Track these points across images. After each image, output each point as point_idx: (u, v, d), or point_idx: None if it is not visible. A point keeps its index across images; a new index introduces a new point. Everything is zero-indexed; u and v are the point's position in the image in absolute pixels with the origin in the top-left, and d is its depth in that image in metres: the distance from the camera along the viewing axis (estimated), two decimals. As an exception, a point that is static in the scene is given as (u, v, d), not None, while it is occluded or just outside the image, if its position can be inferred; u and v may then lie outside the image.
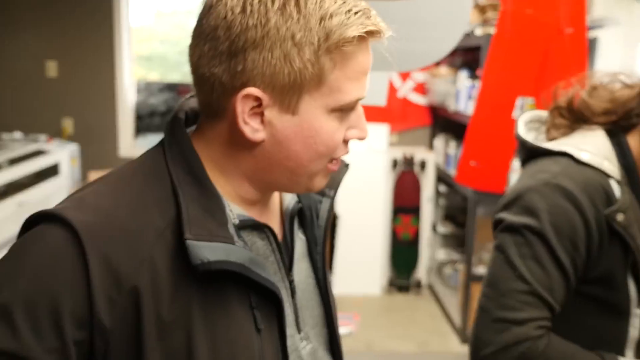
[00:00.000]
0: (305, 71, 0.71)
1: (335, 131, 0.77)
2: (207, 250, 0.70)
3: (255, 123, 0.74)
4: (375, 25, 0.73)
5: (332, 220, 4.43)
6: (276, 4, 0.70)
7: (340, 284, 4.41)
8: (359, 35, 0.72)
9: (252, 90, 0.72)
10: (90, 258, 0.68)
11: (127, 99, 4.60)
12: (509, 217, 1.15)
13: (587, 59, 3.15)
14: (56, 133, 4.43)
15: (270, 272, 0.78)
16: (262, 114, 0.74)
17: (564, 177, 1.12)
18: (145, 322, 0.69)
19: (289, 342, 0.82)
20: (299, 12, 0.70)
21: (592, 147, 1.16)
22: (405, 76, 4.59)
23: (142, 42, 5.77)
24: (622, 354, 1.19)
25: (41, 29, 4.39)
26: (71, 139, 4.41)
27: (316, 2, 0.70)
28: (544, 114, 1.30)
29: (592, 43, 3.31)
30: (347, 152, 0.83)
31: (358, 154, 4.31)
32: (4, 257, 0.72)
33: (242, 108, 0.73)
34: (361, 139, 0.82)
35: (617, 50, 3.41)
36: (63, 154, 3.94)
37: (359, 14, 0.72)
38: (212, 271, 0.71)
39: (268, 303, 0.79)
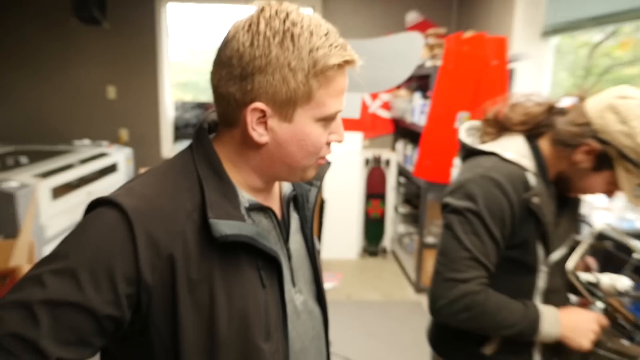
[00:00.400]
0: (298, 90, 0.72)
1: (321, 135, 0.78)
2: (224, 226, 0.71)
3: (261, 129, 0.75)
4: (350, 56, 0.74)
5: (320, 204, 4.46)
6: (276, 40, 0.70)
7: (327, 250, 4.43)
8: (338, 63, 0.73)
9: (259, 105, 0.72)
10: (137, 233, 0.69)
11: (168, 114, 4.59)
12: (454, 202, 1.15)
13: (508, 84, 3.17)
14: (115, 140, 4.42)
15: (272, 242, 0.79)
16: (266, 123, 0.75)
17: (494, 171, 1.13)
18: (178, 280, 0.70)
19: (286, 295, 0.83)
20: (293, 45, 0.71)
21: (514, 148, 1.17)
22: (374, 96, 4.59)
23: (180, 72, 5.77)
24: (532, 299, 1.20)
25: (103, 62, 4.37)
26: (126, 144, 4.39)
27: (306, 38, 0.71)
28: (479, 123, 1.31)
29: (512, 72, 3.32)
30: (330, 152, 0.83)
31: (340, 155, 4.34)
32: (71, 232, 0.72)
33: (251, 118, 0.73)
34: (339, 142, 0.82)
35: (530, 78, 3.43)
36: (120, 156, 3.92)
37: (338, 47, 0.73)
38: (229, 242, 0.72)
39: (271, 266, 0.79)
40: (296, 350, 0.86)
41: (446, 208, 1.18)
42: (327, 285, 3.92)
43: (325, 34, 0.73)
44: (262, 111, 0.73)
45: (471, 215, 1.11)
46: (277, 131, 0.75)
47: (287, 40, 0.71)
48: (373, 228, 4.67)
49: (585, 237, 1.29)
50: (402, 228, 4.68)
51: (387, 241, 4.74)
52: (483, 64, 3.08)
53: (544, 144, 1.18)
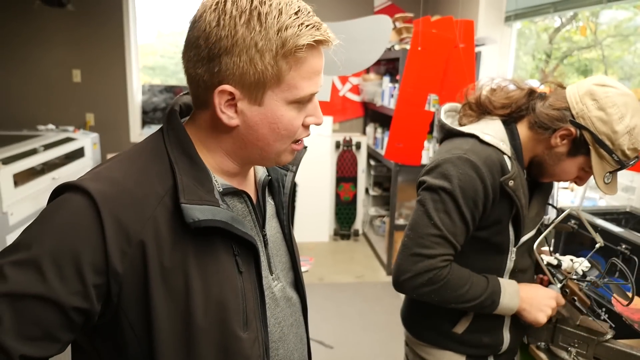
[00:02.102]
0: (266, 72, 0.68)
1: (294, 119, 0.73)
2: (197, 212, 0.68)
3: (230, 112, 0.71)
4: (323, 35, 0.69)
5: (291, 188, 4.40)
6: (242, 19, 0.66)
7: (299, 234, 4.41)
8: (308, 43, 0.68)
9: (226, 87, 0.69)
10: (104, 219, 0.64)
11: (135, 98, 4.43)
12: (429, 180, 1.14)
13: (475, 65, 3.16)
14: (81, 125, 4.26)
15: (247, 227, 0.75)
16: (235, 105, 0.71)
17: (472, 153, 1.11)
18: (151, 268, 0.66)
19: (264, 282, 0.80)
20: (260, 25, 0.66)
21: (492, 131, 1.16)
22: (344, 80, 4.56)
23: (148, 55, 5.55)
24: None
25: (68, 45, 4.18)
26: (93, 129, 4.24)
27: (274, 17, 0.67)
28: (457, 105, 1.30)
29: (478, 55, 3.33)
30: (308, 135, 0.79)
31: (311, 138, 4.29)
32: (35, 220, 0.67)
33: (219, 100, 0.70)
34: (317, 124, 0.78)
35: (494, 62, 3.45)
36: (87, 141, 3.78)
37: (309, 26, 0.68)
38: (202, 227, 0.68)
39: (247, 251, 0.76)
40: (275, 339, 0.83)
41: (422, 185, 1.17)
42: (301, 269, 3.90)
43: (296, 12, 0.68)
44: (231, 93, 0.69)
45: (445, 194, 1.11)
46: (247, 114, 0.71)
47: (254, 19, 0.66)
48: (345, 211, 4.67)
49: (553, 219, 1.30)
50: (373, 210, 4.69)
51: (358, 224, 4.75)
52: (451, 46, 3.06)
53: (522, 128, 1.18)
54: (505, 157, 1.14)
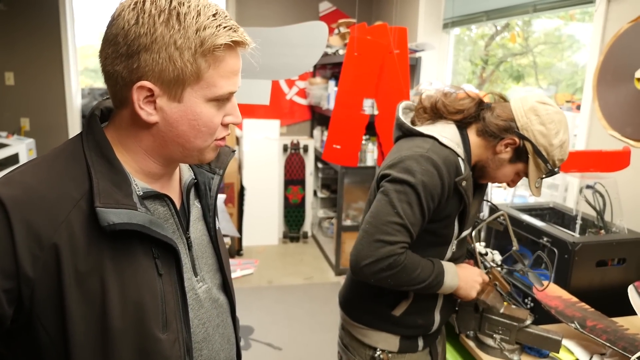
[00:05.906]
0: (185, 69, 0.69)
1: (214, 116, 0.75)
2: (113, 215, 0.68)
3: (149, 108, 0.72)
4: (240, 37, 0.72)
5: (240, 191, 4.35)
6: (162, 18, 0.68)
7: (248, 237, 4.40)
8: (226, 43, 0.70)
9: (145, 83, 0.69)
10: (14, 223, 0.64)
11: (74, 102, 4.27)
12: (393, 173, 1.21)
13: (409, 71, 3.25)
14: (15, 130, 4.06)
15: (169, 230, 0.76)
16: (154, 102, 0.71)
17: (432, 153, 1.20)
18: (64, 272, 0.66)
19: (186, 284, 0.80)
20: (179, 24, 0.68)
21: (449, 135, 1.25)
22: (291, 84, 4.59)
23: (89, 57, 5.37)
24: None
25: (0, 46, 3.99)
26: (28, 135, 4.05)
27: (193, 17, 0.69)
28: (412, 104, 1.38)
29: (418, 61, 3.45)
30: (228, 134, 0.81)
31: (258, 142, 4.30)
32: None
33: (137, 96, 0.70)
34: (236, 123, 0.80)
35: (434, 66, 3.58)
36: (21, 147, 3.61)
37: (227, 28, 0.71)
38: (118, 230, 0.68)
39: (168, 254, 0.76)
40: (199, 339, 0.83)
41: (384, 178, 1.23)
42: (246, 271, 3.89)
43: (214, 15, 0.70)
44: (150, 90, 0.70)
45: (408, 187, 1.18)
46: (166, 111, 0.72)
47: (173, 18, 0.68)
48: (293, 213, 4.70)
49: (486, 216, 1.41)
50: (321, 212, 4.74)
51: (307, 226, 4.79)
52: (385, 52, 3.13)
53: (471, 133, 1.29)
54: (460, 159, 1.23)
